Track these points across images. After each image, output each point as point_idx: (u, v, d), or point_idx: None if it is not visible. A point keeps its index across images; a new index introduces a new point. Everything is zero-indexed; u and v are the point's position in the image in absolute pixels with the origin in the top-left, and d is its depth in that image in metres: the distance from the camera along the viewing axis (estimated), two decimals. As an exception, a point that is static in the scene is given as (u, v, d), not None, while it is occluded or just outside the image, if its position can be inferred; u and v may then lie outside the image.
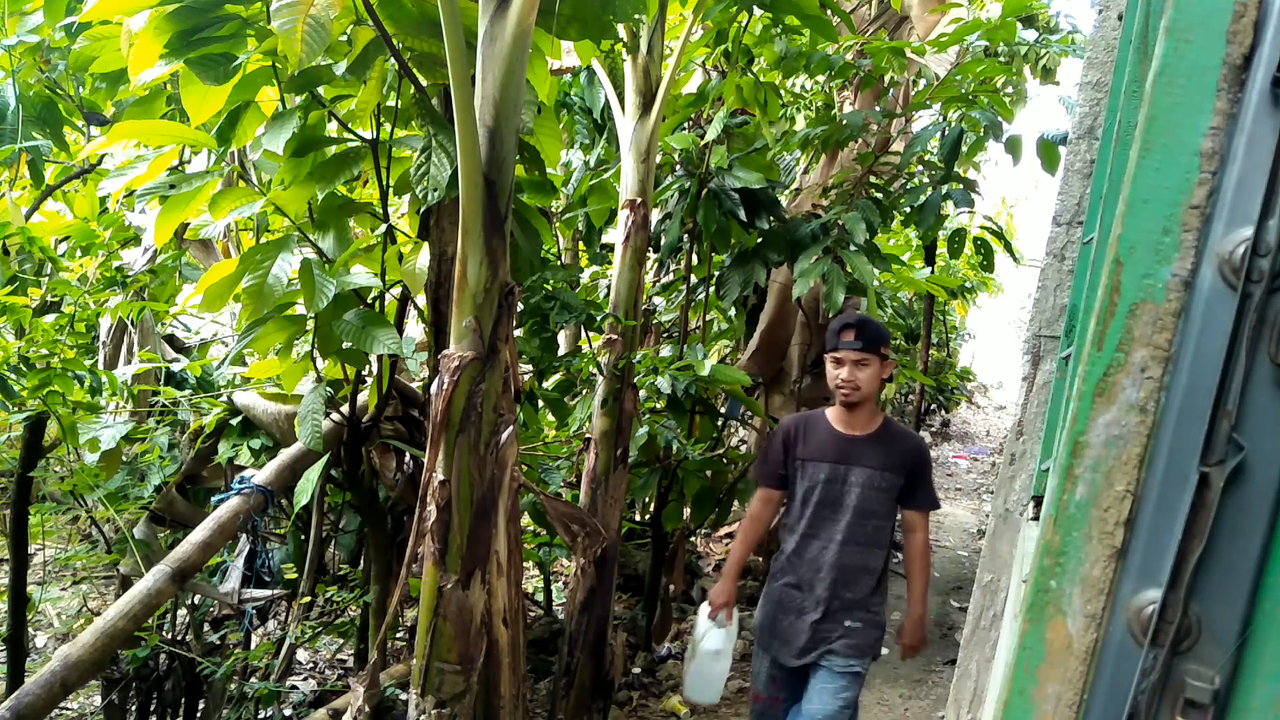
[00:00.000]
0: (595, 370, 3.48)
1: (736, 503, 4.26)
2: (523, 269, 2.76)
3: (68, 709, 3.62)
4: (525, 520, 3.13)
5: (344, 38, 2.33)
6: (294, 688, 3.29)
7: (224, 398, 3.26)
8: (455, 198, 2.11)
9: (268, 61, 2.30)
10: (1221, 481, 0.53)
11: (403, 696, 2.67)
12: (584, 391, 3.89)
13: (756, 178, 3.80)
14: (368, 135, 2.49)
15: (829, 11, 3.43)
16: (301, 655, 4.12)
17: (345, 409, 2.73)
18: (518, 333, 3.37)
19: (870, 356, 2.49)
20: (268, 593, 2.91)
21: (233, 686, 2.96)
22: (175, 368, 3.60)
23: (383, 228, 2.56)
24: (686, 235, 4.04)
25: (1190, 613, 0.53)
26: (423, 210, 2.64)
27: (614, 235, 3.63)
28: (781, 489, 2.69)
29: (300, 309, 2.52)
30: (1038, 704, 0.58)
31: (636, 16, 2.73)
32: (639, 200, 3.37)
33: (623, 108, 3.41)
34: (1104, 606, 0.56)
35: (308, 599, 3.09)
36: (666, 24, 3.39)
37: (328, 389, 2.56)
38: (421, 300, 2.69)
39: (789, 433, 2.66)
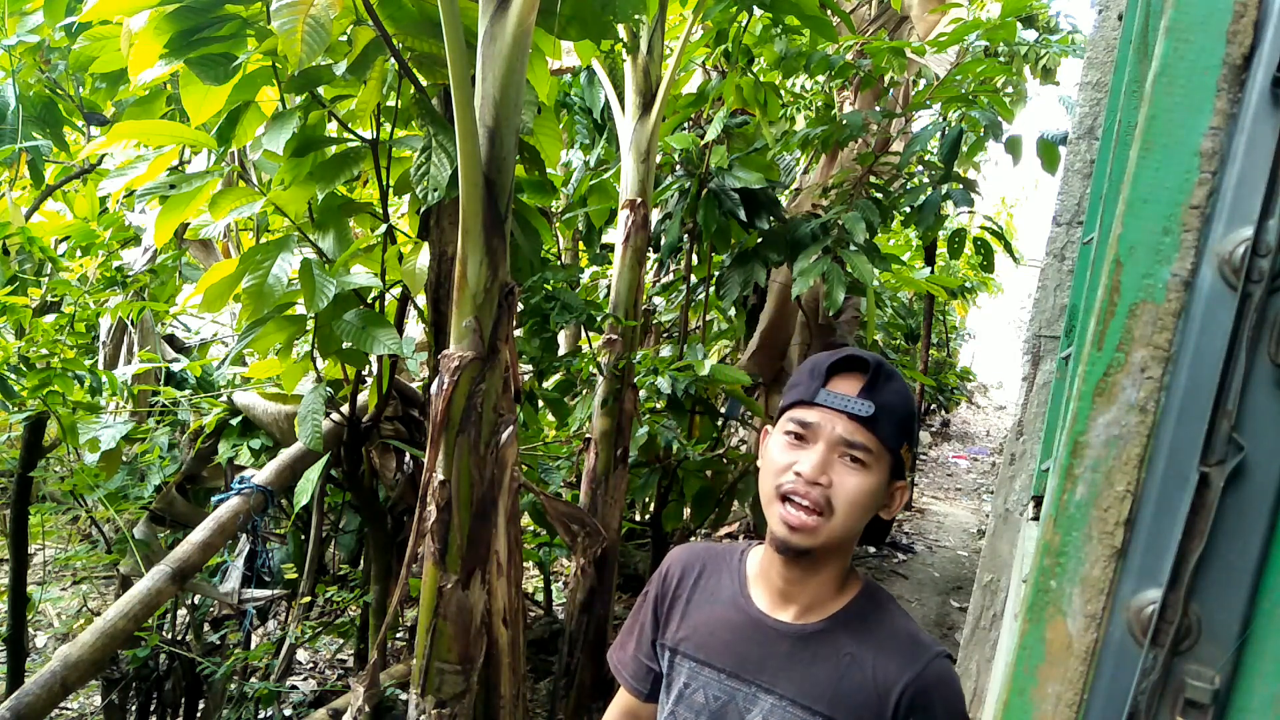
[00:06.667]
0: (595, 370, 3.48)
1: (736, 503, 4.26)
2: (523, 269, 2.76)
3: (68, 709, 3.62)
4: (525, 520, 3.13)
5: (344, 38, 2.33)
6: (294, 688, 3.29)
7: (224, 398, 3.26)
8: (455, 198, 2.11)
9: (268, 61, 2.30)
10: (1221, 481, 0.53)
11: (403, 696, 2.67)
12: (584, 391, 3.88)
13: (756, 178, 3.80)
14: (368, 135, 2.48)
15: (829, 11, 3.43)
16: (301, 655, 4.12)
17: (345, 409, 2.73)
18: (518, 333, 3.37)
19: (877, 445, 1.10)
20: (268, 593, 2.91)
21: (233, 686, 2.96)
22: (175, 368, 3.60)
23: (383, 228, 2.56)
24: (686, 235, 4.04)
25: (1190, 613, 0.53)
26: (423, 210, 2.63)
27: (614, 235, 3.64)
28: (650, 698, 1.35)
29: (300, 309, 2.52)
30: (1038, 704, 0.58)
31: (636, 16, 2.73)
32: (639, 200, 3.37)
33: (623, 108, 3.41)
34: (1104, 606, 0.56)
35: (308, 599, 3.09)
36: (666, 24, 3.39)
37: (328, 389, 2.56)
38: (421, 300, 2.69)
39: (667, 579, 1.33)
